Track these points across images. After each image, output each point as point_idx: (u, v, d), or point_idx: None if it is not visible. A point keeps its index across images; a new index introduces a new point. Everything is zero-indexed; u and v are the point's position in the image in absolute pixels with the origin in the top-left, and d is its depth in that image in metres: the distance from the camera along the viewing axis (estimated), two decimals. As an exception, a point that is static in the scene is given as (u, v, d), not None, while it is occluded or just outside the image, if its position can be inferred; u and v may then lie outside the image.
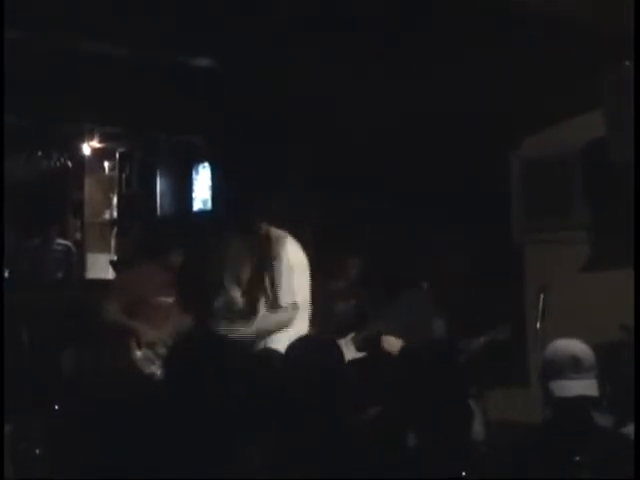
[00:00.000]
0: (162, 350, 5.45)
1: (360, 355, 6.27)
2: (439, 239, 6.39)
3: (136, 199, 10.17)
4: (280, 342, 4.35)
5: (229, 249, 5.61)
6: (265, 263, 5.36)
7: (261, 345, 5.09)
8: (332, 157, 7.07)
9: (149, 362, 5.53)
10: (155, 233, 6.53)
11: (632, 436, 3.17)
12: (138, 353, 5.54)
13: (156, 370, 5.42)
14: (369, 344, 6.25)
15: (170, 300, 5.73)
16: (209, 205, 9.39)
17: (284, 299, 5.24)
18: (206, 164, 9.36)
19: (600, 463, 2.95)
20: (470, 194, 6.80)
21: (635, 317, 4.59)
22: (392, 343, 5.72)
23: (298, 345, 3.23)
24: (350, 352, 6.17)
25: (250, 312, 5.35)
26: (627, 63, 4.93)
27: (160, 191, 9.71)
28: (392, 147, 6.87)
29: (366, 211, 7.17)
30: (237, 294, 5.43)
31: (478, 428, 5.12)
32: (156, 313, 5.65)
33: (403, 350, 3.53)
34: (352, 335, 6.37)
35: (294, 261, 5.29)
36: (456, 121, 6.29)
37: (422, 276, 6.12)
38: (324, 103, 6.38)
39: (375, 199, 7.17)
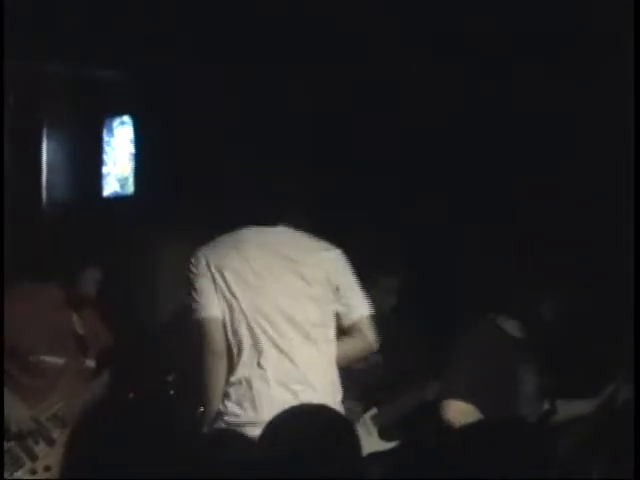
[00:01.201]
0: (38, 448, 5.26)
1: (388, 446, 5.77)
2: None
3: (7, 175, 8.54)
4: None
5: None
6: None
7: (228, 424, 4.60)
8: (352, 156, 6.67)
9: (18, 462, 5.25)
10: (39, 234, 6.73)
11: None
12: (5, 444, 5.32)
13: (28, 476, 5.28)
14: (403, 424, 5.83)
15: (60, 361, 5.33)
16: (130, 187, 8.18)
17: None
18: (126, 118, 8.10)
19: None
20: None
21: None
22: (464, 411, 4.79)
23: (278, 423, 2.83)
24: (372, 440, 5.73)
25: None
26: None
27: (47, 162, 8.28)
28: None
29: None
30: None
31: None
32: (36, 378, 5.31)
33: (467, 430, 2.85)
34: (373, 412, 5.82)
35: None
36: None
37: (494, 307, 5.20)
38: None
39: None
